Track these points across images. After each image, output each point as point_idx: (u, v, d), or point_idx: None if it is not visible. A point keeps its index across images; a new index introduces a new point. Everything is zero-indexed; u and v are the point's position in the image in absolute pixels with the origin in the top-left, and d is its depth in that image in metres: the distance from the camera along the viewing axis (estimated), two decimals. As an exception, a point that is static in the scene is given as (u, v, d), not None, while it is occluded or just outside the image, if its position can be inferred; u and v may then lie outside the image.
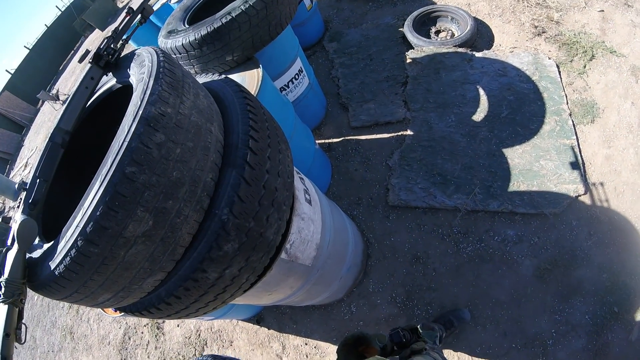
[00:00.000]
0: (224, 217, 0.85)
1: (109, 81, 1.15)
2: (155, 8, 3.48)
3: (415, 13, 3.17)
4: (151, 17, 3.08)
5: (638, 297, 1.90)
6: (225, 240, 0.86)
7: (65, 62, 14.40)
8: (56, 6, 16.41)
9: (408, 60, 2.97)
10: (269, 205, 0.96)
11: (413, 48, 3.04)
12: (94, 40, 12.49)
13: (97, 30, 12.42)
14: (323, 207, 1.54)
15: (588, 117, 2.63)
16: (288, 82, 2.46)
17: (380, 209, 2.48)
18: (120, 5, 13.05)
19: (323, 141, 2.89)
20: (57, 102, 9.56)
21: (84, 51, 11.47)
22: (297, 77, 2.52)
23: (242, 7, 1.75)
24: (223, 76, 1.26)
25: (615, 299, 1.91)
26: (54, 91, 10.33)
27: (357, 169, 2.68)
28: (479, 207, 2.25)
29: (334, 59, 3.42)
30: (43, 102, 11.16)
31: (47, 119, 10.23)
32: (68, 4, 15.80)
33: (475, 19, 3.21)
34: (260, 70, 1.85)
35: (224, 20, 1.74)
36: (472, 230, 2.24)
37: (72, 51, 14.78)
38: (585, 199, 2.23)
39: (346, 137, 2.84)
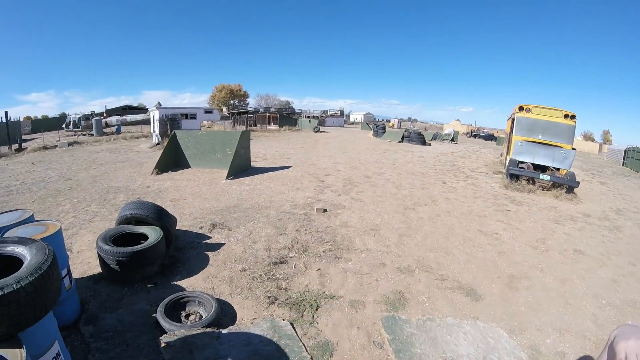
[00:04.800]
0: None
1: None
2: None
3: (167, 300, 3.65)
4: None
5: None
6: None
7: None
8: None
9: (162, 344, 3.21)
10: None
11: (166, 332, 3.36)
12: None
13: None
14: None
15: (327, 354, 3.30)
16: (45, 367, 2.27)
17: None
18: None
19: None
20: None
21: None
22: (54, 361, 2.36)
23: (15, 285, 1.81)
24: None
25: None
26: None
27: None
28: None
29: (90, 343, 3.29)
30: None
31: None
32: None
33: (219, 300, 3.92)
34: (23, 351, 1.76)
35: (-5, 295, 1.73)
36: None
37: None
38: None
39: None
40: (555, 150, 11.61)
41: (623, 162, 26.37)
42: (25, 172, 11.07)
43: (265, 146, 19.77)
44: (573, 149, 11.76)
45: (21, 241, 2.37)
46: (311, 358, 3.23)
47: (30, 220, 3.54)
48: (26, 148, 17.59)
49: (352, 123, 77.27)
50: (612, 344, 1.04)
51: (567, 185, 10.70)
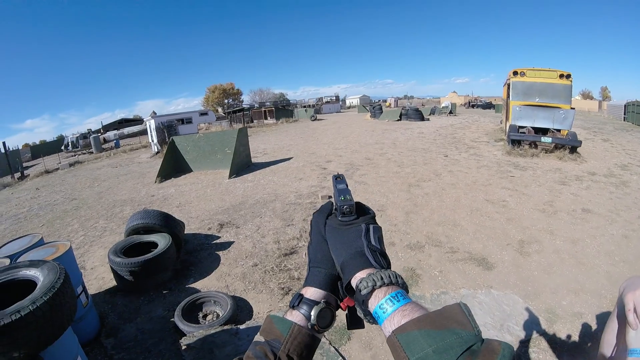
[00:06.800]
0: None
1: None
2: None
3: (183, 303, 3.71)
4: None
5: None
6: None
7: None
8: None
9: (183, 347, 3.27)
10: None
11: (185, 335, 3.42)
12: None
13: None
14: None
15: (344, 338, 3.34)
16: (71, 383, 2.35)
17: None
18: None
19: None
20: None
21: None
22: (79, 376, 2.44)
23: (31, 307, 1.86)
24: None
25: None
26: None
27: None
28: None
29: (113, 355, 3.38)
30: None
31: None
32: None
33: (234, 297, 3.97)
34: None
35: (13, 317, 1.79)
36: None
37: None
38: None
39: None
40: (554, 112, 11.50)
41: (624, 117, 25.95)
42: (31, 199, 11.18)
43: (264, 141, 19.75)
44: (572, 108, 11.66)
45: (33, 264, 2.41)
46: (329, 343, 3.26)
47: (40, 243, 3.59)
48: (28, 175, 17.74)
49: (349, 107, 76.83)
50: (621, 295, 1.05)
51: (570, 145, 10.64)
